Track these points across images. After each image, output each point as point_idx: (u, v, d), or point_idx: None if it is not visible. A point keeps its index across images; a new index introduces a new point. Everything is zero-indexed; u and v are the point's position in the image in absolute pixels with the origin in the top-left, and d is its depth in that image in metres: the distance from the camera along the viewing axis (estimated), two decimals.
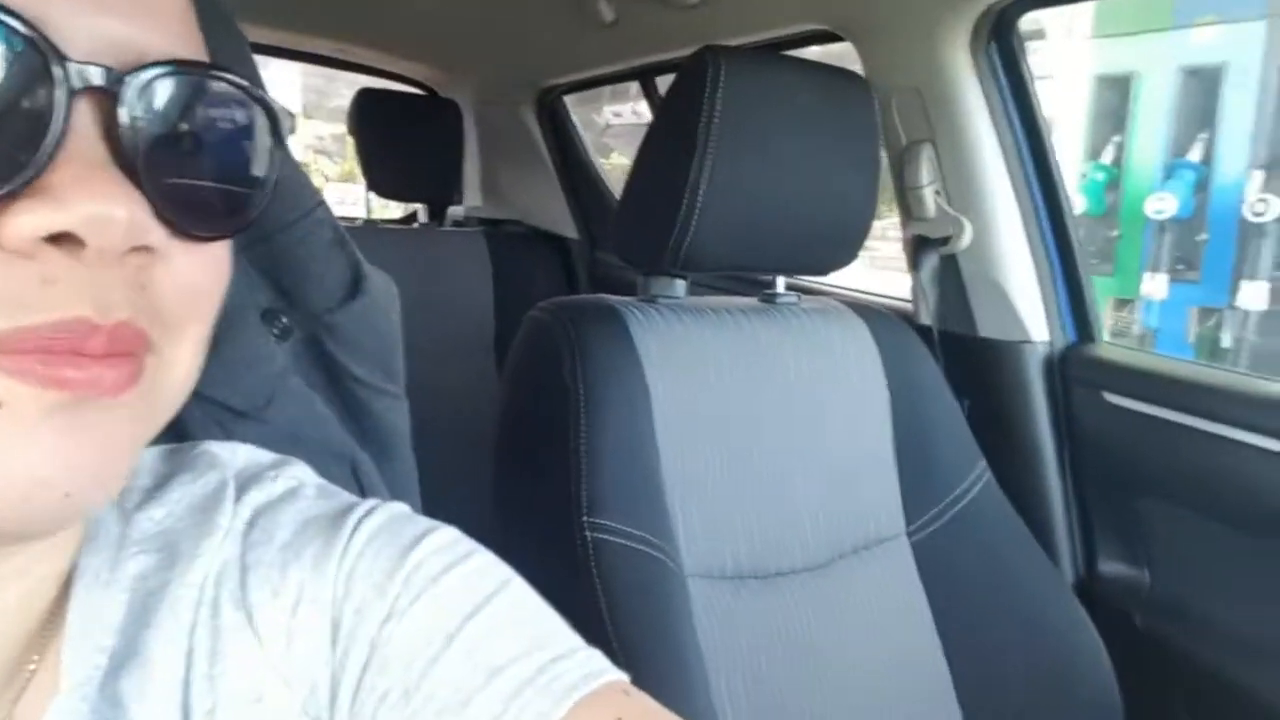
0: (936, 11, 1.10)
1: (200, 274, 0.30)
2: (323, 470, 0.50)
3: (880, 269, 2.81)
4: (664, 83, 1.78)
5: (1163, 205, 4.06)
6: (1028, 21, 1.16)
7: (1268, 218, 3.70)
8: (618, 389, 0.88)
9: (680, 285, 1.01)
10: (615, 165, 3.73)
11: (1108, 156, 4.42)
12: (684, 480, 0.90)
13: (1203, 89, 4.09)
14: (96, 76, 0.26)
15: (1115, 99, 4.39)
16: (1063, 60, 4.46)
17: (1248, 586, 1.03)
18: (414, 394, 0.65)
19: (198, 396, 0.53)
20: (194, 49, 0.31)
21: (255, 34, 1.35)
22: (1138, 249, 4.31)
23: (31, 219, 0.24)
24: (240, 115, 0.31)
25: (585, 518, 0.80)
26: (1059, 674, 0.98)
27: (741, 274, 1.31)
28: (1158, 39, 4.20)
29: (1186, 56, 4.11)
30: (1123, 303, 4.44)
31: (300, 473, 0.42)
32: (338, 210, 0.75)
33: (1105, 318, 4.26)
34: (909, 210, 1.26)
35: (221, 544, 0.36)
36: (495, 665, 0.33)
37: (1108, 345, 1.22)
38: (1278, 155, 3.82)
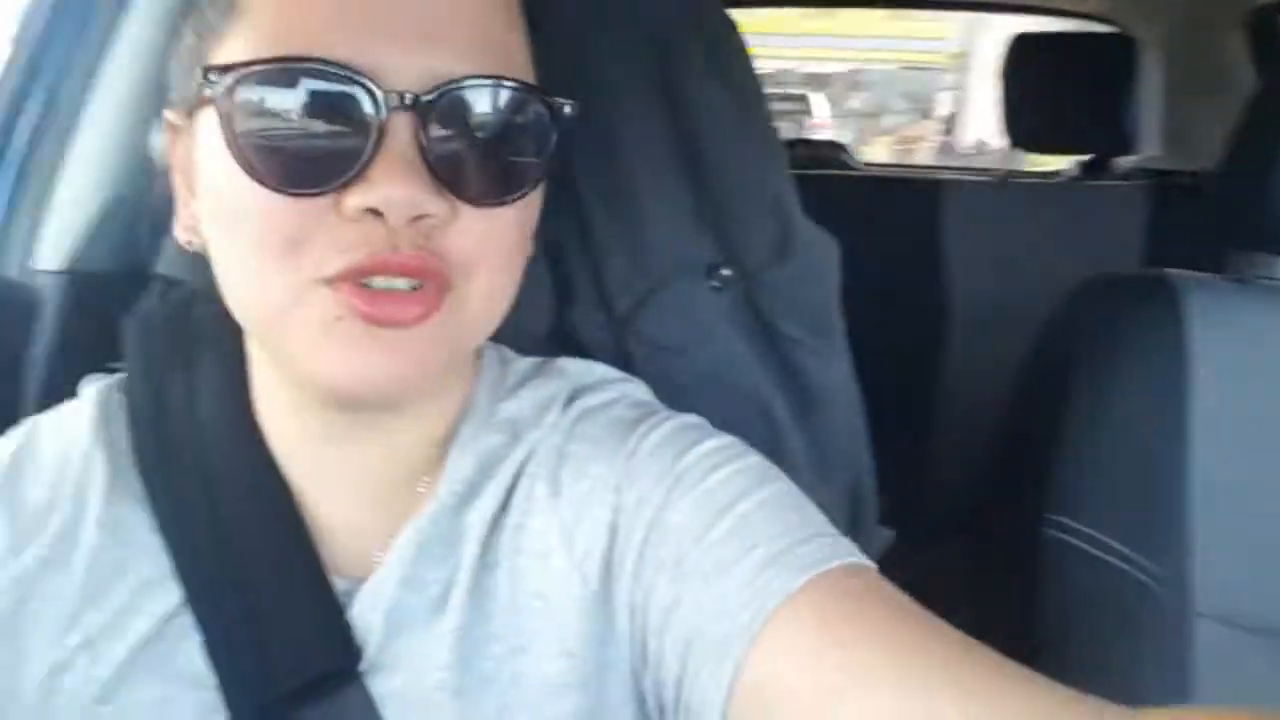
0: None
1: (485, 231, 0.41)
2: (727, 410, 0.58)
3: None
4: None
5: None
6: None
7: None
8: (1142, 379, 0.75)
9: None
10: None
11: None
12: (1219, 494, 0.73)
13: None
14: (403, 100, 0.38)
15: None
16: None
17: None
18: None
19: (635, 333, 0.66)
20: (496, 63, 0.41)
21: None
22: None
23: (356, 198, 0.38)
24: (518, 112, 0.41)
25: (1049, 514, 0.71)
26: None
27: None
28: None
29: None
30: None
31: (630, 389, 0.52)
32: None
33: None
34: None
35: (548, 434, 0.48)
36: (751, 543, 0.40)
37: None
38: None
